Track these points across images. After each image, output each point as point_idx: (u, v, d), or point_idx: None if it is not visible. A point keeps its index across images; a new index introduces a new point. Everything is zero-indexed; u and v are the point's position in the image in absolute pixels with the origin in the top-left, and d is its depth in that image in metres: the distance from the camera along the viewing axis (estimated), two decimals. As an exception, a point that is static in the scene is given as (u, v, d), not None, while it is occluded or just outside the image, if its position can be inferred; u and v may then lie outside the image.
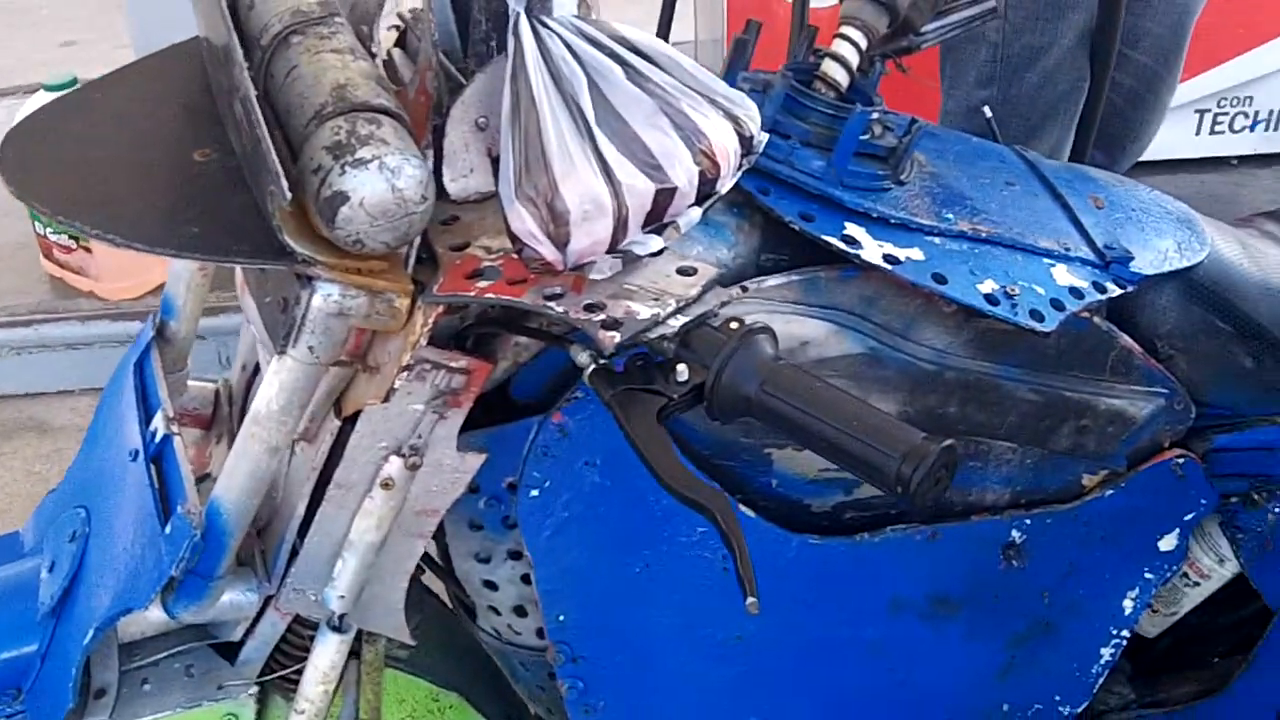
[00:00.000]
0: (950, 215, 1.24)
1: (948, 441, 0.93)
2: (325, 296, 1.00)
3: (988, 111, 1.64)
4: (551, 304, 1.01)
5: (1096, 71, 2.12)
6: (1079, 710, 1.50)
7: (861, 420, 0.95)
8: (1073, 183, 1.39)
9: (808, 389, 0.97)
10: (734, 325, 1.01)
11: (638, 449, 0.99)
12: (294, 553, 1.20)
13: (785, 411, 0.97)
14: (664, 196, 1.02)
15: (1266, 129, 3.92)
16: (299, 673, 1.27)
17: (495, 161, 1.10)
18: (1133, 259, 1.29)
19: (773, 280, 1.17)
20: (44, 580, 1.30)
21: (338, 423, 1.14)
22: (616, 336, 0.98)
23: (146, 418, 1.28)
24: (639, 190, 1.00)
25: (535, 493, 1.22)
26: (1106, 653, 1.46)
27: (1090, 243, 1.30)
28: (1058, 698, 1.48)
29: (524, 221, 0.99)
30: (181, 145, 1.10)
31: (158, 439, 1.24)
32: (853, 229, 1.18)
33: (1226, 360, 1.37)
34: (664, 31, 2.63)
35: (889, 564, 1.32)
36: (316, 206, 0.95)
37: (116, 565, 1.22)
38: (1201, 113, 3.83)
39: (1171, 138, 3.58)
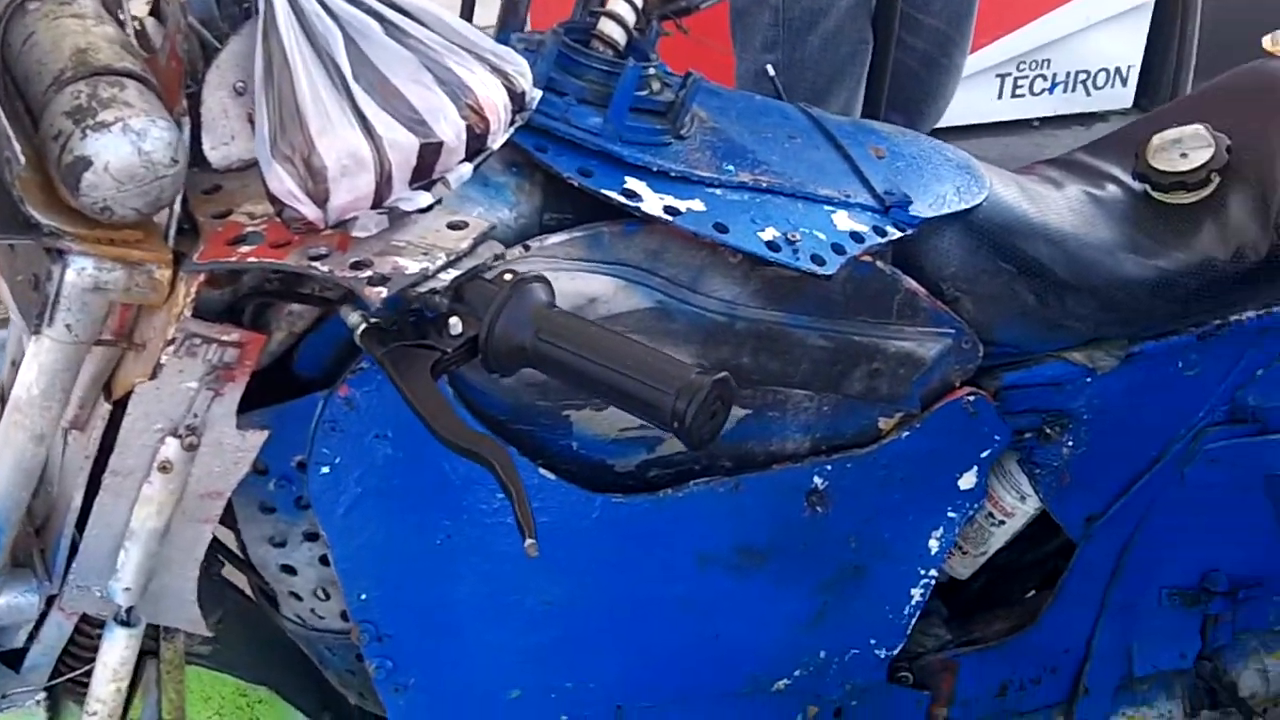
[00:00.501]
0: (731, 167, 1.24)
1: (720, 374, 0.92)
2: (79, 271, 0.96)
3: (770, 70, 1.65)
4: (316, 264, 0.98)
5: (880, 33, 2.15)
6: (895, 651, 1.52)
7: (636, 359, 0.94)
8: (855, 135, 1.41)
9: (582, 333, 0.96)
10: (507, 276, 1.00)
11: (411, 404, 0.97)
12: (74, 548, 1.15)
13: (561, 358, 0.96)
14: (430, 151, 1.00)
15: (1065, 90, 4.06)
16: (90, 674, 1.22)
17: (258, 126, 1.07)
18: (912, 203, 1.31)
19: (555, 238, 1.16)
20: None
21: (109, 406, 1.09)
22: (383, 291, 0.95)
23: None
24: (402, 145, 0.98)
25: (326, 470, 1.19)
26: (917, 593, 1.48)
27: (870, 190, 1.31)
28: (873, 641, 1.50)
29: (282, 181, 0.96)
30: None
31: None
32: (633, 183, 1.17)
33: (1010, 299, 1.40)
34: (467, 14, 2.60)
35: (694, 518, 1.32)
36: (60, 174, 0.91)
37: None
38: (1002, 76, 3.94)
39: (973, 101, 3.68)
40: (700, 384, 0.91)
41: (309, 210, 0.96)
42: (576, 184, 1.15)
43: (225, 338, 1.06)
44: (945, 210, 1.34)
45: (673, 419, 0.92)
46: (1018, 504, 1.54)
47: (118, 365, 1.08)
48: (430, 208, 1.02)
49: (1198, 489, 1.57)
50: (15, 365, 1.31)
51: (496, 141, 1.07)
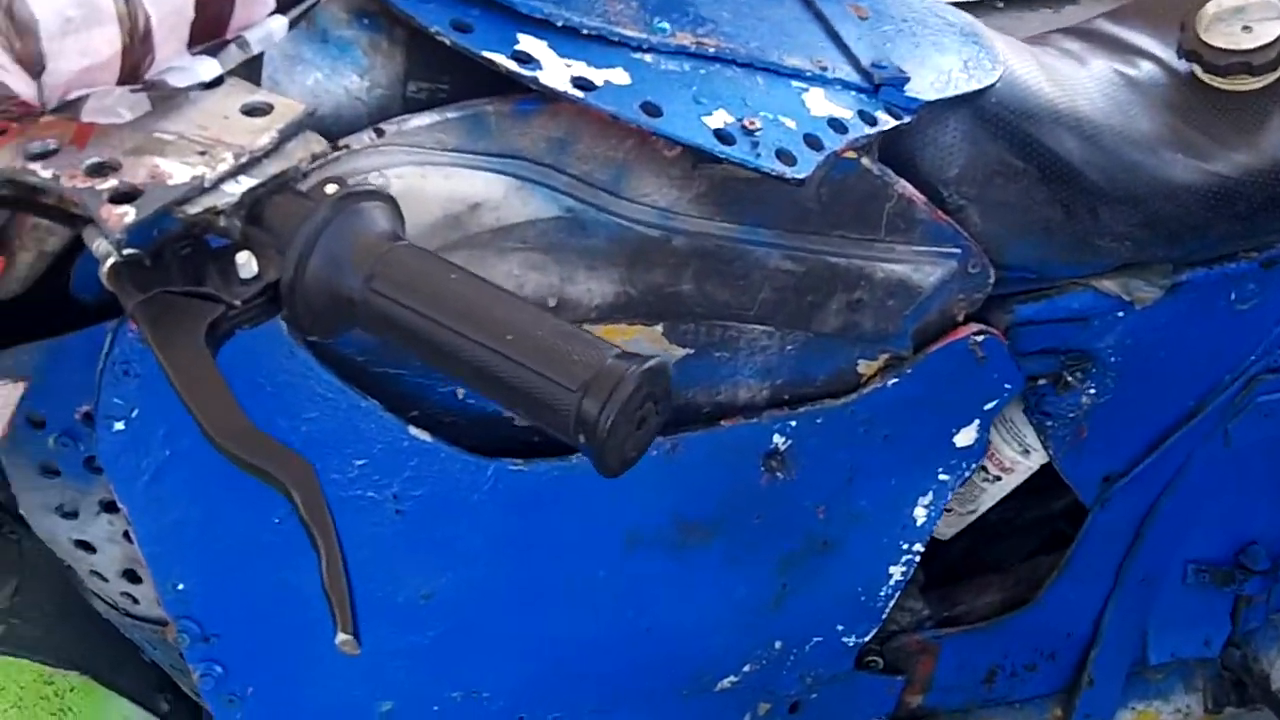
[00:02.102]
0: (665, 24, 0.92)
1: (653, 360, 0.62)
2: None
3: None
4: (37, 166, 0.66)
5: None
6: (866, 639, 1.25)
7: (523, 332, 0.63)
8: None
9: (440, 284, 0.65)
10: (329, 189, 0.69)
11: (175, 385, 0.66)
12: None
13: (408, 322, 0.65)
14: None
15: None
16: None
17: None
18: (908, 80, 0.99)
19: (421, 119, 0.85)
20: None
21: None
22: (130, 214, 0.64)
23: None
24: (167, -14, 0.66)
25: (120, 426, 0.89)
26: (897, 571, 1.20)
27: (853, 61, 1.00)
28: (840, 627, 1.22)
29: (-21, 37, 0.64)
30: None
31: None
32: (529, 42, 0.85)
33: (1029, 209, 1.09)
34: None
35: (620, 488, 1.01)
36: None
37: None
38: (967, -47, 3.56)
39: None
40: (619, 374, 0.61)
41: (19, 83, 0.64)
42: (449, 42, 0.83)
43: (-62, 259, 0.75)
44: (952, 92, 1.02)
45: (577, 428, 0.61)
46: (1019, 458, 1.25)
47: None
48: (218, 81, 0.70)
49: (1243, 447, 1.28)
50: None
51: (328, -17, 0.75)
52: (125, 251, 0.66)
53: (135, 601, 1.03)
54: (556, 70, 0.85)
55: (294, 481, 0.64)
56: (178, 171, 0.66)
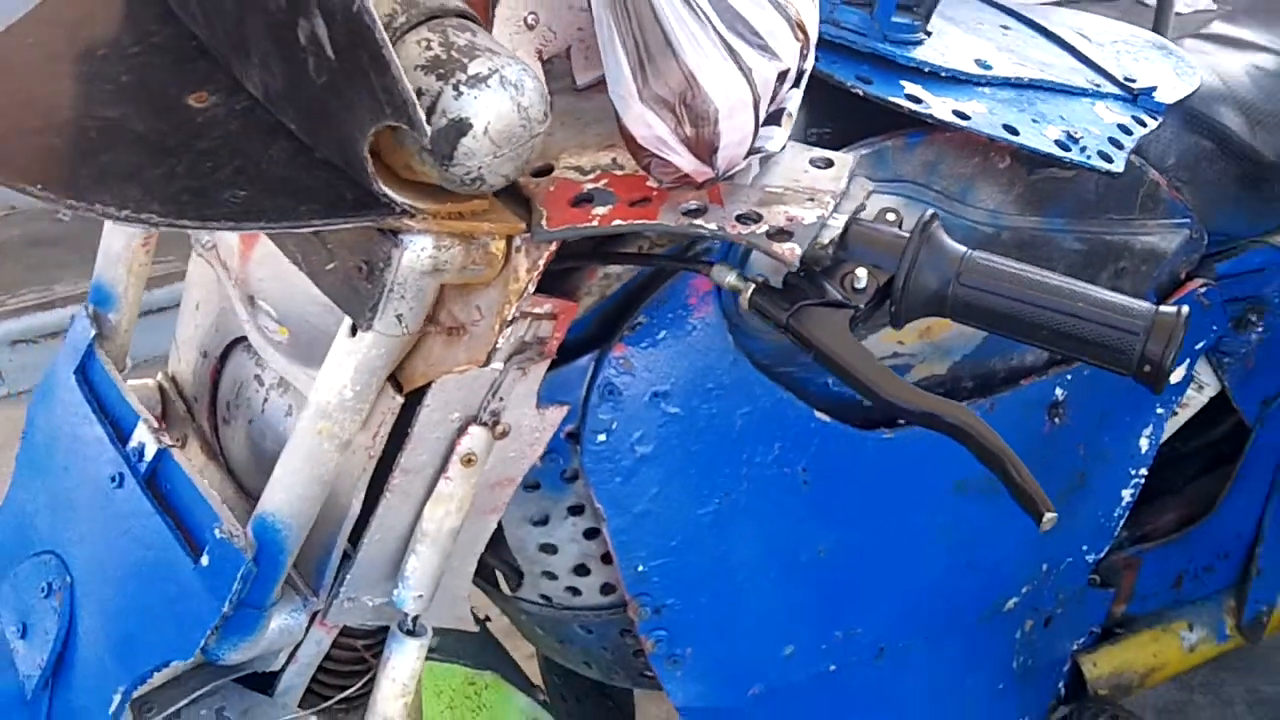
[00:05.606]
0: (989, 63, 1.15)
1: (1184, 309, 0.85)
2: (418, 252, 0.83)
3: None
4: (700, 222, 0.86)
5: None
6: (1102, 555, 1.49)
7: (1086, 299, 0.86)
8: (1048, 19, 1.33)
9: (1012, 275, 0.88)
10: (891, 216, 0.91)
11: (848, 371, 0.87)
12: (344, 557, 1.03)
13: (990, 304, 0.87)
14: (780, 81, 0.89)
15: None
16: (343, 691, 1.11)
17: (547, 64, 0.94)
18: (1155, 89, 1.24)
19: (843, 159, 1.06)
20: (18, 648, 1.08)
21: (398, 400, 0.96)
22: (796, 249, 0.85)
23: (119, 434, 1.06)
24: (764, 76, 0.87)
25: (602, 438, 1.08)
26: (1127, 494, 1.44)
27: (1110, 78, 1.24)
28: (1085, 547, 1.46)
29: (651, 128, 0.84)
30: (165, 91, 0.88)
31: (148, 456, 1.03)
32: (912, 88, 1.08)
33: (1222, 184, 1.35)
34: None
35: (954, 445, 1.24)
36: (431, 141, 0.78)
37: (127, 616, 1.02)
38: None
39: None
40: (1174, 323, 0.84)
41: (686, 162, 0.84)
42: (861, 93, 1.05)
43: (540, 310, 0.94)
44: (1178, 95, 1.27)
45: (1143, 363, 0.84)
46: (1194, 394, 1.51)
47: (411, 351, 0.96)
48: (784, 146, 0.91)
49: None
50: (207, 356, 1.17)
51: (809, 60, 0.96)
52: (759, 279, 0.87)
53: (578, 594, 1.21)
54: (940, 106, 1.07)
55: (963, 420, 0.85)
56: (806, 215, 0.87)
